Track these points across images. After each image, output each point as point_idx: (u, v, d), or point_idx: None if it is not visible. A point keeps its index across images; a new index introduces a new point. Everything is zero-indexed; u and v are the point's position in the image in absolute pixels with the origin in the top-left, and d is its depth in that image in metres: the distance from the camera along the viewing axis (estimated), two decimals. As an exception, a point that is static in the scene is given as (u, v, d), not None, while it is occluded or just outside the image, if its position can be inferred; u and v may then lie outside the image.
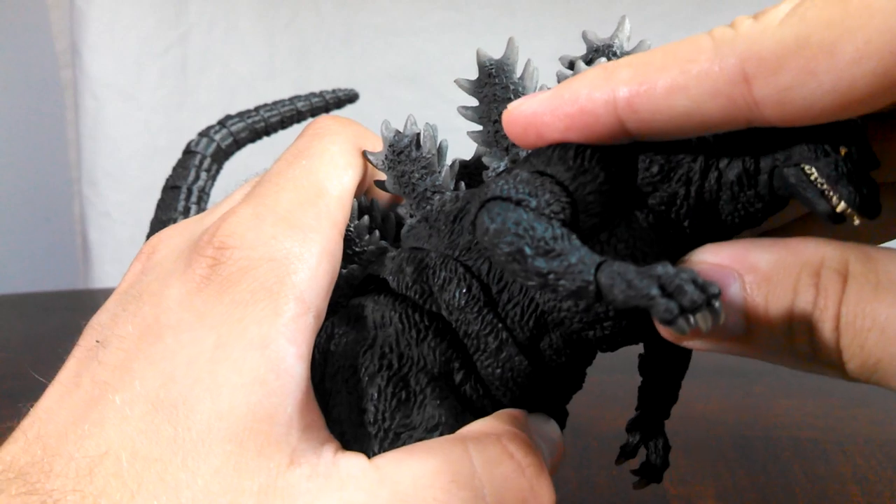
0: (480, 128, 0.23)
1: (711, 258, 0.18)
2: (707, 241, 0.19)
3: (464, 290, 0.21)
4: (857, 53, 0.15)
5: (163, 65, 0.88)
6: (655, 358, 0.25)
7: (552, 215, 0.19)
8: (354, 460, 0.19)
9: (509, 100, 0.22)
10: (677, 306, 0.16)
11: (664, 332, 0.18)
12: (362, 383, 0.21)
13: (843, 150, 0.18)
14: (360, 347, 0.22)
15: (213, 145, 0.41)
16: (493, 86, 0.22)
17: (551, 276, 0.18)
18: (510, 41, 0.23)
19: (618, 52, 0.22)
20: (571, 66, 0.22)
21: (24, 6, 0.91)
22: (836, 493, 0.36)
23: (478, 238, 0.19)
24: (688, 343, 0.18)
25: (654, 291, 0.16)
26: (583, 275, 0.17)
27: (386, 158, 0.23)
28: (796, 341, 0.17)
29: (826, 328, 0.17)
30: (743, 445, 0.40)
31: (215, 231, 0.20)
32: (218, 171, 0.41)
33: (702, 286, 0.16)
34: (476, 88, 0.23)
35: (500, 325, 0.21)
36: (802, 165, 0.18)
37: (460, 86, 0.23)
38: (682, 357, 0.24)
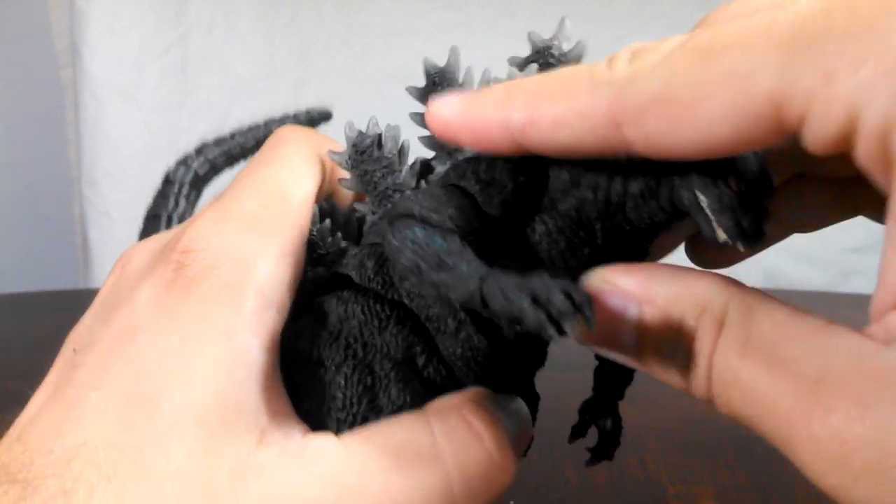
0: (429, 133, 0.23)
1: (619, 282, 0.19)
2: (620, 243, 0.21)
3: (392, 269, 0.22)
4: (714, 115, 0.16)
5: (163, 65, 0.88)
6: None
7: (453, 230, 0.20)
8: (323, 438, 0.20)
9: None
10: (545, 315, 0.17)
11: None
12: (329, 374, 0.22)
13: (732, 183, 0.19)
14: (326, 341, 0.23)
15: (191, 173, 0.42)
16: (439, 94, 0.23)
17: (443, 288, 0.19)
18: (452, 50, 0.24)
19: (556, 54, 0.23)
20: (523, 67, 0.23)
21: (25, 6, 0.91)
22: (836, 493, 0.36)
23: (386, 252, 0.21)
24: (593, 348, 0.19)
25: (525, 303, 0.17)
26: (469, 287, 0.19)
27: (349, 158, 0.24)
28: (680, 373, 0.18)
29: (701, 373, 0.17)
30: (743, 445, 0.41)
31: (180, 236, 0.22)
32: (197, 198, 0.42)
33: (571, 295, 0.17)
34: (423, 96, 0.24)
35: (458, 308, 0.22)
36: (695, 191, 0.19)
37: (410, 93, 0.24)
38: None
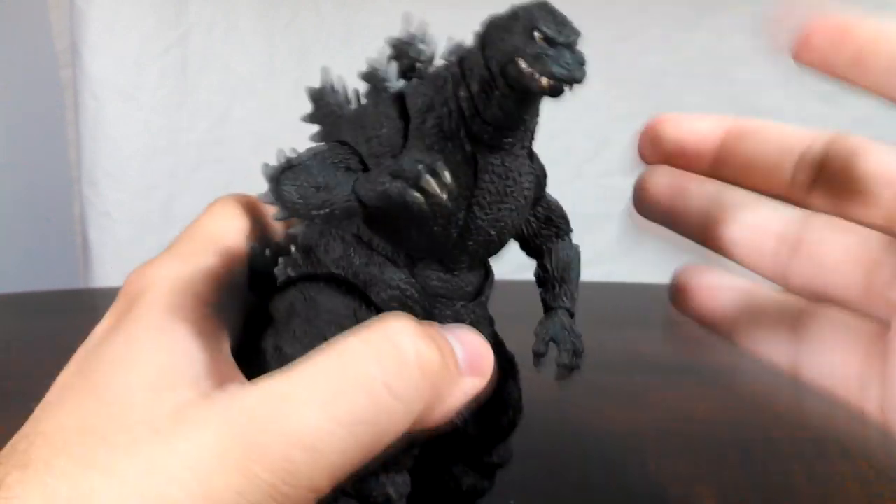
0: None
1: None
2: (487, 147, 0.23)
3: (339, 242, 0.25)
4: None
5: (163, 65, 0.88)
6: (536, 254, 0.28)
7: (331, 164, 0.23)
8: (265, 375, 0.22)
9: (339, 116, 0.27)
10: (403, 183, 0.20)
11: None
12: (285, 356, 0.24)
13: (537, 36, 0.21)
14: (281, 333, 0.25)
15: None
16: (321, 108, 0.27)
17: (326, 206, 0.22)
18: (322, 70, 0.28)
19: (414, 55, 0.26)
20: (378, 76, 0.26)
21: (24, 6, 0.91)
22: (837, 493, 0.36)
23: (276, 203, 0.24)
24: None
25: (386, 180, 0.21)
26: (344, 193, 0.22)
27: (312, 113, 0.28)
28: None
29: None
30: (743, 445, 0.41)
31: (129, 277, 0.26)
32: None
33: (420, 161, 0.20)
34: (313, 116, 0.28)
35: (375, 255, 0.24)
36: (516, 59, 0.21)
37: (304, 120, 0.28)
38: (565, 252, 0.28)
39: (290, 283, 0.26)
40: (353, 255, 0.25)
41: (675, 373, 0.51)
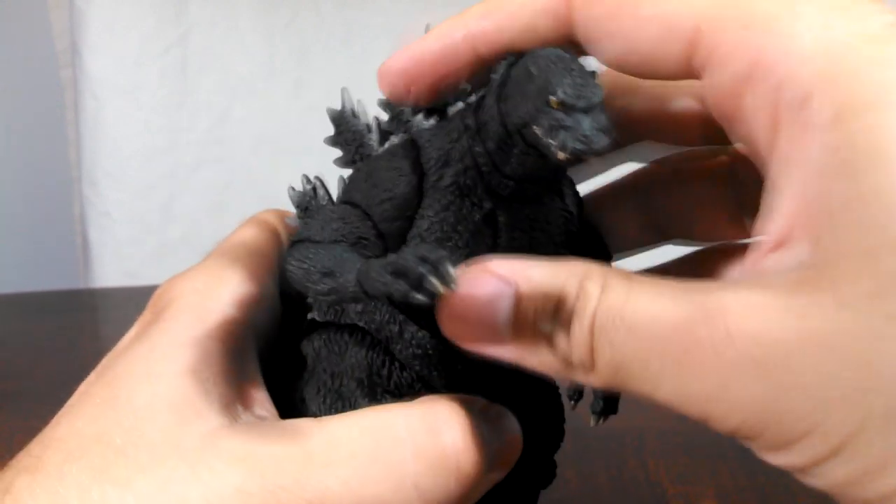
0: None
1: (494, 267, 0.20)
2: (511, 203, 0.22)
3: (349, 303, 0.24)
4: (643, 26, 0.19)
5: (163, 64, 0.88)
6: None
7: (339, 240, 0.22)
8: (300, 420, 0.22)
9: (359, 144, 0.25)
10: (406, 284, 0.18)
11: (443, 328, 0.20)
12: (309, 410, 0.24)
13: (552, 101, 0.20)
14: (305, 382, 0.24)
15: None
16: (343, 133, 0.26)
17: (334, 293, 0.21)
18: (343, 91, 0.26)
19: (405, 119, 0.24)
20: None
21: (25, 6, 0.91)
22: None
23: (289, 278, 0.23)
24: (466, 345, 0.20)
25: (388, 279, 0.19)
26: (349, 283, 0.20)
27: (300, 217, 0.26)
28: (556, 342, 0.19)
29: (583, 327, 0.18)
30: (742, 445, 0.41)
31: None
32: None
33: (424, 259, 0.18)
34: (335, 140, 0.26)
35: (396, 312, 0.23)
36: (532, 126, 0.20)
37: (326, 143, 0.26)
38: None
39: (319, 325, 0.25)
40: (374, 310, 0.24)
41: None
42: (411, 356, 0.23)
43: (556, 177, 0.23)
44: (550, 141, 0.20)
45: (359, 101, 0.26)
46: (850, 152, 0.16)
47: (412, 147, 0.23)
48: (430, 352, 0.23)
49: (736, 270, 0.23)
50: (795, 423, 0.16)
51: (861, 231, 0.16)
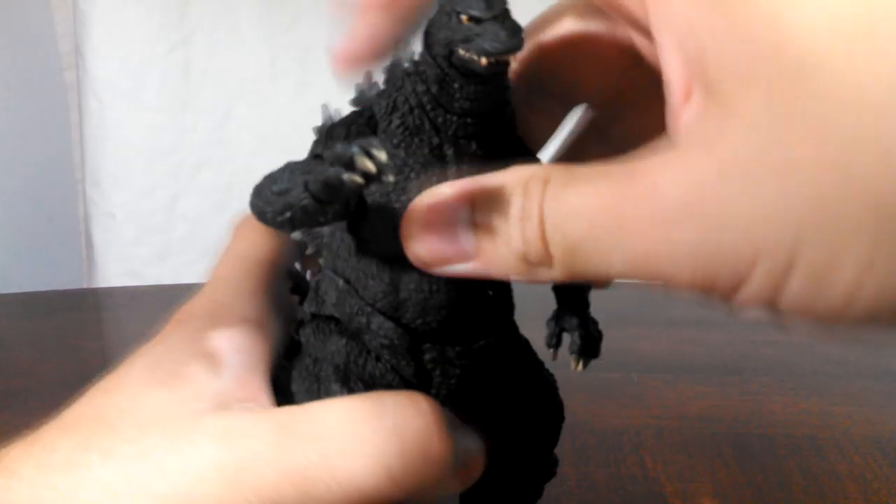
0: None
1: (446, 190, 0.21)
2: (466, 140, 0.24)
3: (334, 289, 0.25)
4: None
5: (166, 66, 0.89)
6: None
7: (299, 173, 0.23)
8: (285, 406, 0.22)
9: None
10: (341, 166, 0.20)
11: (409, 253, 0.22)
12: (291, 393, 0.25)
13: (464, 19, 0.21)
14: (297, 367, 0.25)
15: None
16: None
17: (287, 210, 0.22)
18: (323, 107, 0.27)
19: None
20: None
21: (29, 9, 0.92)
22: (833, 491, 0.36)
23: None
24: (433, 268, 0.21)
25: (325, 168, 0.21)
26: (299, 193, 0.22)
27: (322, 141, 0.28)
28: (513, 245, 0.20)
29: (533, 222, 0.19)
30: (740, 443, 0.41)
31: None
32: None
33: (354, 143, 0.20)
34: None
35: (364, 304, 0.24)
36: (454, 49, 0.22)
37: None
38: None
39: (313, 316, 0.26)
40: (345, 302, 0.25)
41: (673, 371, 0.51)
42: (379, 346, 0.24)
43: (504, 113, 0.24)
44: (472, 55, 0.21)
45: (337, 110, 0.27)
46: None
47: (365, 109, 0.25)
48: (396, 342, 0.24)
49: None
50: (741, 255, 0.16)
51: (737, 50, 0.16)
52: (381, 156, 0.20)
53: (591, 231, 0.18)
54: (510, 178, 0.20)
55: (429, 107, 0.23)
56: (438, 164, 0.23)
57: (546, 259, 0.19)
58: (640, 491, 0.37)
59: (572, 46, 0.25)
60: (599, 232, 0.18)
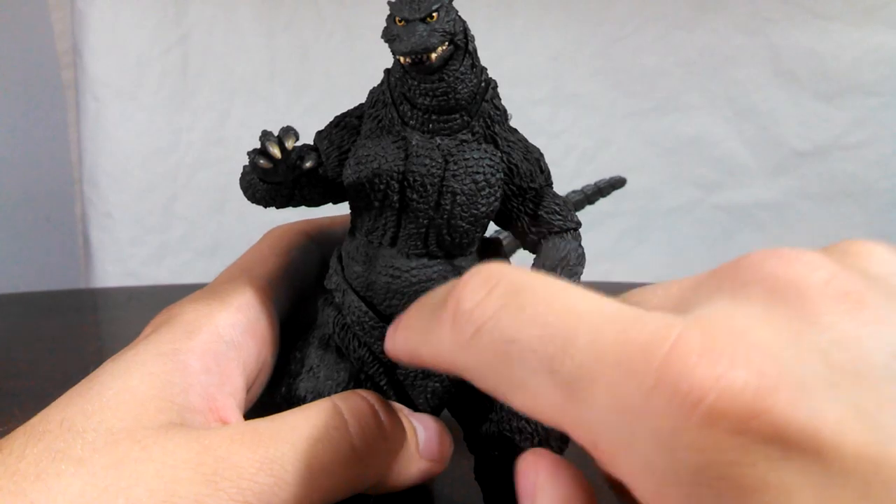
0: None
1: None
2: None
3: (332, 266, 0.28)
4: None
5: (163, 65, 0.88)
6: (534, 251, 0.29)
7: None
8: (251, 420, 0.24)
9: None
10: (256, 153, 0.24)
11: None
12: (300, 357, 0.28)
13: (397, 19, 0.24)
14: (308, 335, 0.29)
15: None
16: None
17: (249, 188, 0.28)
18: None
19: None
20: None
21: (26, 7, 0.92)
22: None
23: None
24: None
25: (252, 154, 0.25)
26: (248, 172, 0.27)
27: None
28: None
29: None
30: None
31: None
32: None
33: (271, 134, 0.24)
34: None
35: (343, 281, 0.27)
36: (388, 44, 0.25)
37: None
38: None
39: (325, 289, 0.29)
40: (332, 278, 0.27)
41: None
42: (352, 322, 0.27)
43: (476, 111, 0.25)
44: (394, 54, 0.24)
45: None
46: None
47: (364, 103, 0.27)
48: (364, 320, 0.26)
49: None
50: None
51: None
52: (290, 142, 0.24)
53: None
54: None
55: (397, 101, 0.25)
56: (401, 155, 0.25)
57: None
58: (641, 492, 0.37)
59: None
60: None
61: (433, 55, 0.23)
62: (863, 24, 0.80)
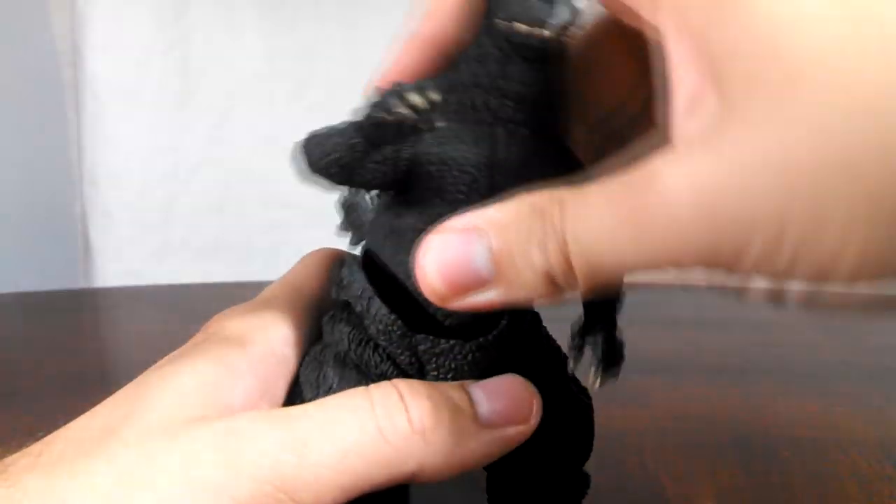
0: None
1: (457, 224, 0.21)
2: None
3: (346, 272, 0.26)
4: None
5: (164, 65, 0.88)
6: None
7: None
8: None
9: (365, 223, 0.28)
10: (380, 109, 0.23)
11: (425, 291, 0.21)
12: (301, 372, 0.26)
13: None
14: (307, 356, 0.27)
15: None
16: (352, 217, 0.29)
17: (337, 151, 0.24)
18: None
19: None
20: None
21: (26, 7, 0.92)
22: (836, 492, 0.36)
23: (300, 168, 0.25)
24: (455, 304, 0.21)
25: (371, 110, 0.23)
26: (349, 134, 0.23)
27: (344, 215, 0.29)
28: (537, 267, 0.20)
29: (557, 246, 0.20)
30: (742, 444, 0.41)
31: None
32: None
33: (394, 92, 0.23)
34: (344, 226, 0.29)
35: (368, 286, 0.25)
36: (515, 26, 0.23)
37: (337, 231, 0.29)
38: None
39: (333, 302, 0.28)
40: (352, 287, 0.26)
41: (674, 372, 0.51)
42: (377, 332, 0.25)
43: (553, 107, 0.24)
44: (531, 28, 0.22)
45: None
46: None
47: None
48: (391, 328, 0.24)
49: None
50: (741, 231, 0.17)
51: (743, 52, 0.17)
52: (415, 100, 0.22)
53: (612, 245, 0.19)
54: (524, 204, 0.20)
55: (487, 88, 0.24)
56: (489, 142, 0.24)
57: (571, 277, 0.20)
58: (641, 493, 0.37)
59: (594, 46, 0.26)
60: (620, 244, 0.19)
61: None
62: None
